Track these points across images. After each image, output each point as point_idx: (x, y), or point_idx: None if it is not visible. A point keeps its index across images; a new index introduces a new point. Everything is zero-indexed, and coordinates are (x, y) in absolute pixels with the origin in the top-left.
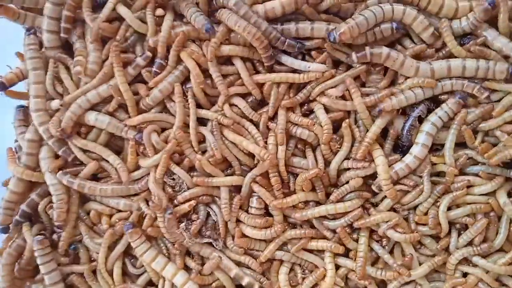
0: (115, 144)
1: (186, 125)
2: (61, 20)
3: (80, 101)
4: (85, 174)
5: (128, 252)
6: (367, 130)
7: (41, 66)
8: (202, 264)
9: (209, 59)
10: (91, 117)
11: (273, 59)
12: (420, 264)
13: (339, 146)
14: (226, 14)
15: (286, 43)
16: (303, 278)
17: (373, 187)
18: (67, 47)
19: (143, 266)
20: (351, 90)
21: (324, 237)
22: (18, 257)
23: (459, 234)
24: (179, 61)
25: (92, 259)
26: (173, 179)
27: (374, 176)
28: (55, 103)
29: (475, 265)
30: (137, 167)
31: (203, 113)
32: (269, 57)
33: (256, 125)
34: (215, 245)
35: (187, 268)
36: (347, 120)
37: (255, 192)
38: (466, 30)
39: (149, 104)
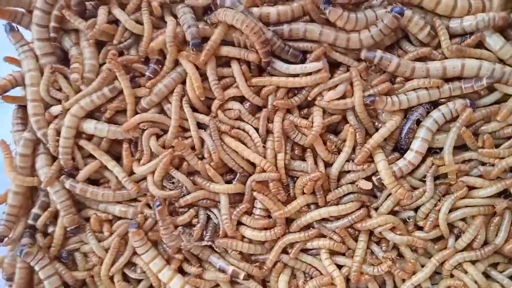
0: (114, 150)
1: (181, 128)
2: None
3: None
4: (85, 175)
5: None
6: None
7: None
8: (200, 267)
9: (202, 61)
10: (90, 126)
11: (270, 56)
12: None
13: (335, 148)
14: (223, 11)
15: (289, 52)
16: (305, 281)
17: (374, 179)
18: (62, 57)
19: (143, 272)
20: (355, 83)
21: (323, 236)
22: (30, 267)
23: (458, 238)
24: (176, 63)
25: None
26: (173, 183)
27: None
28: (55, 108)
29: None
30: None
31: (200, 117)
32: (266, 52)
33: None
34: (215, 248)
35: (185, 274)
36: (352, 128)
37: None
38: (480, 26)
39: (152, 100)
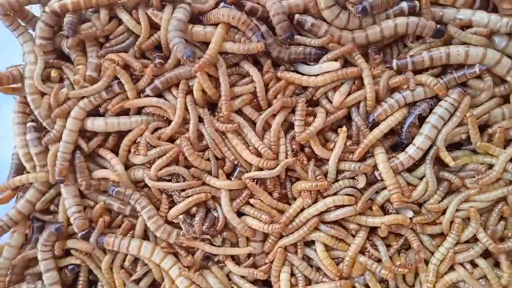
0: (112, 144)
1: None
2: (54, 27)
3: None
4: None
5: None
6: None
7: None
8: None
9: (196, 70)
10: (100, 123)
11: (263, 39)
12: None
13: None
14: (216, 11)
15: (312, 54)
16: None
17: (376, 173)
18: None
19: (145, 265)
20: (364, 73)
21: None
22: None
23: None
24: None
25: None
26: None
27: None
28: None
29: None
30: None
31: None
32: (257, 35)
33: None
34: (213, 242)
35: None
36: (344, 129)
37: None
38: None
39: (162, 83)
